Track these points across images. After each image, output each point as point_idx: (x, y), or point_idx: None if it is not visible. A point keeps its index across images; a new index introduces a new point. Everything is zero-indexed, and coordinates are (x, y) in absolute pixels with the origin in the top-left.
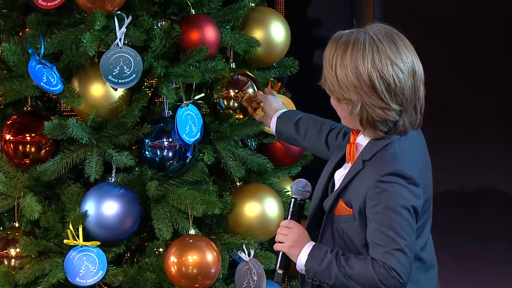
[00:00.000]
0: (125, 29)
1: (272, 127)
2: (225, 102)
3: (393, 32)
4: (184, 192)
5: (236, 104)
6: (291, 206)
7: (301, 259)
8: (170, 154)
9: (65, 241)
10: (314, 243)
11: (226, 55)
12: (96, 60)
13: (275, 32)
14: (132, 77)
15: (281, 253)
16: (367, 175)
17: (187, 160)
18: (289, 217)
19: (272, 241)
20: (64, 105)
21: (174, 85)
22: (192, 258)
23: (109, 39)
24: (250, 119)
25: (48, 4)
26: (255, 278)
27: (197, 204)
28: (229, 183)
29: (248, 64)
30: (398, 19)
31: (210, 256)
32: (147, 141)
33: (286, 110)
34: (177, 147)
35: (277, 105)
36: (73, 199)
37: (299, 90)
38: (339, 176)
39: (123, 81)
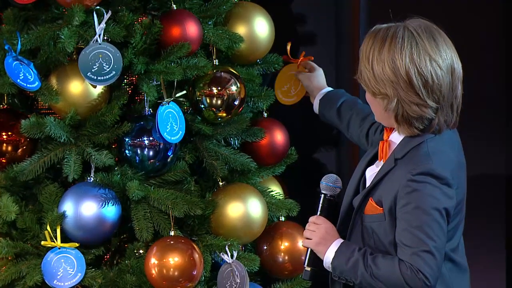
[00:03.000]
0: (105, 25)
1: (315, 108)
2: (208, 100)
3: (433, 27)
4: (165, 192)
5: (219, 102)
6: (321, 201)
7: (328, 256)
8: (151, 153)
9: (42, 242)
10: (342, 240)
11: (209, 51)
12: (74, 56)
13: (259, 27)
14: (111, 74)
15: (309, 249)
16: (398, 174)
17: (168, 159)
18: (318, 212)
19: (255, 242)
20: (42, 103)
21: (155, 82)
22: (173, 260)
23: (88, 35)
24: (233, 117)
25: None
26: (238, 281)
27: (179, 205)
28: (211, 183)
29: (231, 60)
30: (384, 14)
31: (191, 258)
32: (127, 139)
33: (328, 90)
34: (158, 146)
35: (318, 83)
36: (51, 200)
37: None
38: (370, 173)
39: (102, 78)
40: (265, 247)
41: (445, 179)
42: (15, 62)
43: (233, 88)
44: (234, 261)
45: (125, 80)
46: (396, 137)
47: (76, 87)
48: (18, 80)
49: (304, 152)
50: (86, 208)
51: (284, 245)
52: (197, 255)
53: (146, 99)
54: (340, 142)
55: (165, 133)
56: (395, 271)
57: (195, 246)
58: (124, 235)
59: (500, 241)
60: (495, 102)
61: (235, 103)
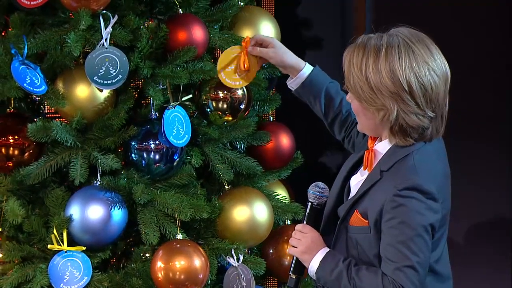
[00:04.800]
0: (111, 29)
1: (291, 86)
2: (214, 104)
3: (423, 35)
4: (171, 195)
5: (225, 106)
6: (307, 210)
7: (312, 266)
8: (157, 157)
9: (49, 246)
10: (328, 249)
11: (215, 55)
12: (81, 60)
13: (265, 31)
14: (118, 78)
15: (294, 257)
16: (384, 187)
17: (174, 163)
18: (304, 221)
19: (261, 246)
20: (48, 106)
21: (161, 86)
22: (179, 263)
23: (94, 39)
24: (239, 121)
25: (32, 3)
26: (244, 284)
27: (185, 208)
28: (217, 186)
29: None
30: (390, 19)
31: (198, 262)
32: (133, 143)
33: (308, 71)
34: (164, 150)
35: (290, 59)
36: (58, 203)
37: (289, 91)
38: (355, 182)
39: (108, 82)
40: (271, 251)
41: (431, 194)
42: (21, 66)
43: (239, 92)
44: (240, 265)
45: (131, 84)
46: (381, 147)
47: (82, 91)
48: (25, 84)
49: (310, 156)
50: (92, 212)
51: None
52: (203, 259)
53: (152, 103)
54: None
55: (171, 137)
56: (378, 284)
57: (201, 249)
58: (131, 239)
59: (505, 241)
60: (497, 107)
61: (241, 107)
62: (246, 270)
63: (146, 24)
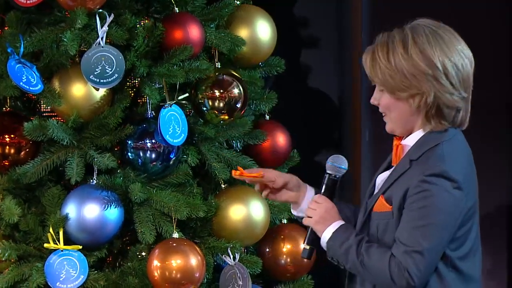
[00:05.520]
0: (107, 28)
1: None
2: (210, 103)
3: (443, 24)
4: (168, 194)
5: (221, 105)
6: (325, 181)
7: (325, 236)
8: (153, 155)
9: (45, 245)
10: (342, 222)
11: (211, 54)
12: (77, 59)
13: (261, 30)
14: (114, 77)
15: (309, 228)
16: (412, 174)
17: (171, 162)
18: (321, 192)
19: (258, 244)
20: (44, 105)
21: (157, 85)
22: (175, 262)
23: (90, 38)
24: (235, 120)
25: (28, 1)
26: (240, 283)
27: (181, 207)
28: (213, 185)
29: (234, 63)
30: (387, 17)
31: (194, 260)
32: (129, 142)
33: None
34: (160, 149)
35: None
36: (54, 202)
37: (286, 90)
38: (382, 178)
39: (105, 81)
40: (267, 250)
41: (457, 183)
42: (18, 65)
43: (235, 90)
44: (237, 264)
45: (128, 83)
46: (410, 140)
47: (78, 90)
48: (21, 83)
49: (306, 154)
50: (88, 211)
51: (286, 247)
52: (199, 257)
53: (149, 102)
54: (342, 145)
55: (167, 136)
56: (385, 264)
57: (197, 248)
58: (127, 238)
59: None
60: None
61: (237, 105)
62: (243, 269)
63: (142, 23)
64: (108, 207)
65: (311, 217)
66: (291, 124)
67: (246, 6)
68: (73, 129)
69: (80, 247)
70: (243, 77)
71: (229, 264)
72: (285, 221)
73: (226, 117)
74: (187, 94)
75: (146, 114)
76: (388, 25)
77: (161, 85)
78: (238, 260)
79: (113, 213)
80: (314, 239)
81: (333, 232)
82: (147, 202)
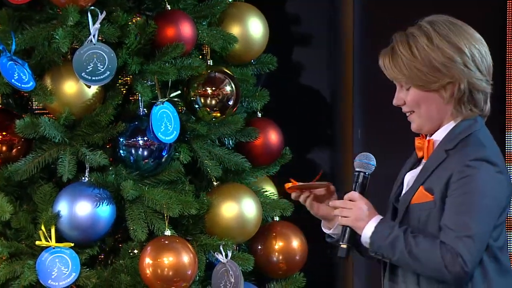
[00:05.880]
0: (99, 25)
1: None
2: (202, 100)
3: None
4: (160, 192)
5: (213, 102)
6: (355, 179)
7: (366, 232)
8: (145, 153)
9: (37, 242)
10: (381, 217)
11: (203, 52)
12: (69, 56)
13: (253, 28)
14: (106, 74)
15: (344, 228)
16: (451, 162)
17: (163, 159)
18: (353, 190)
19: (250, 242)
20: (36, 103)
21: (149, 82)
22: (167, 259)
23: (82, 35)
24: (227, 117)
25: None
26: (232, 280)
27: (173, 204)
28: (205, 182)
29: (226, 61)
30: (379, 15)
31: (186, 258)
32: (121, 139)
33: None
34: (152, 146)
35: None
36: (46, 199)
37: (278, 87)
38: (411, 175)
39: (96, 78)
40: (259, 247)
41: (499, 167)
42: (9, 62)
43: (227, 88)
44: (229, 261)
45: (120, 80)
46: (439, 135)
47: (70, 87)
48: (13, 80)
49: (298, 152)
50: (80, 208)
51: (278, 245)
52: (191, 255)
53: (141, 99)
54: (334, 142)
55: (159, 133)
56: (436, 252)
57: (189, 246)
58: (119, 235)
59: None
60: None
61: (229, 103)
62: (235, 267)
63: (134, 20)
64: (100, 204)
65: (348, 217)
66: (283, 122)
67: (238, 4)
68: (65, 126)
69: (72, 244)
70: (235, 74)
71: (221, 261)
72: (277, 218)
73: (218, 114)
74: (179, 92)
75: (138, 111)
76: (379, 23)
77: (153, 83)
78: (230, 258)
79: (105, 211)
80: (352, 236)
81: (376, 226)
82: (139, 200)
